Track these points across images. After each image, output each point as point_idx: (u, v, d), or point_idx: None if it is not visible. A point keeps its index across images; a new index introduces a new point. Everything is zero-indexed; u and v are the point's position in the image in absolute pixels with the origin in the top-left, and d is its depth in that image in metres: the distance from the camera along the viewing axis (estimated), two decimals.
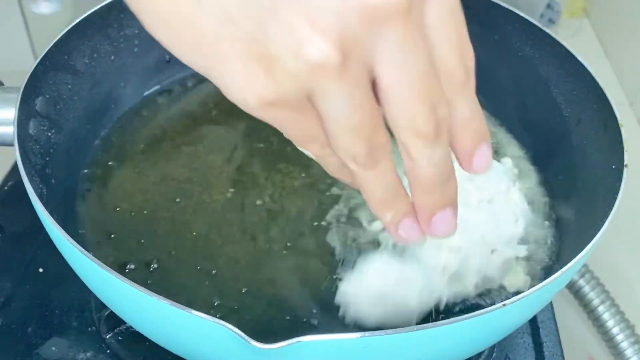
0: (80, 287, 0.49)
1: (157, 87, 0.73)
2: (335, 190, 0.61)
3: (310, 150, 0.34)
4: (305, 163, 0.62)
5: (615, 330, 0.61)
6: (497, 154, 0.67)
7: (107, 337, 0.55)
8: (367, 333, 0.37)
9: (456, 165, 0.57)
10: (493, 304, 0.46)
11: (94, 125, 0.65)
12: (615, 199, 0.48)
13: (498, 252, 0.54)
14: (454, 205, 0.36)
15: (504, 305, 0.40)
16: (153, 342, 0.47)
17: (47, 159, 0.56)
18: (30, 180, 0.46)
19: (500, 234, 0.54)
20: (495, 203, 0.56)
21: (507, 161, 0.63)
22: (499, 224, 0.55)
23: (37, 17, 0.88)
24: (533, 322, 0.60)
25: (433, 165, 0.32)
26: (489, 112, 0.73)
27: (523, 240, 0.57)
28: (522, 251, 0.56)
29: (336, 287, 0.50)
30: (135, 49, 0.70)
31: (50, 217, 0.43)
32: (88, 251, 0.42)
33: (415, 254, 0.51)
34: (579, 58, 0.62)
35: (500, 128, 0.71)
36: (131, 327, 0.54)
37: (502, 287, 0.54)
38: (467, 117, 0.33)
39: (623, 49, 1.04)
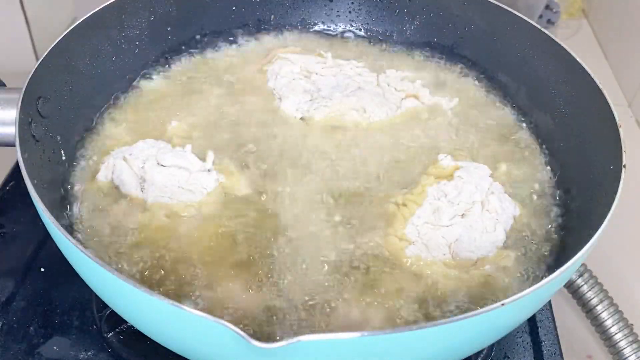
0: (82, 286, 0.49)
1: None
2: None
3: None
4: None
5: (613, 329, 0.61)
6: (494, 159, 0.67)
7: (108, 336, 0.56)
8: (366, 332, 0.37)
9: (430, 181, 0.57)
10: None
11: (95, 124, 0.66)
12: (613, 199, 0.48)
13: (476, 268, 0.54)
14: None
15: (503, 304, 0.40)
16: (154, 341, 0.48)
17: (48, 159, 0.56)
18: (31, 181, 0.46)
19: (478, 245, 0.54)
20: (470, 215, 0.55)
21: (501, 166, 0.62)
22: (475, 237, 0.54)
23: (39, 18, 0.88)
24: (532, 321, 0.60)
25: None
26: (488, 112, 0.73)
27: (516, 242, 0.57)
28: (508, 258, 0.55)
29: None
30: (136, 50, 0.70)
31: (52, 217, 0.44)
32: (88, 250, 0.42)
33: None
34: (578, 59, 0.62)
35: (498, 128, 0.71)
36: (132, 326, 0.54)
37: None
38: None
39: (622, 49, 1.04)
